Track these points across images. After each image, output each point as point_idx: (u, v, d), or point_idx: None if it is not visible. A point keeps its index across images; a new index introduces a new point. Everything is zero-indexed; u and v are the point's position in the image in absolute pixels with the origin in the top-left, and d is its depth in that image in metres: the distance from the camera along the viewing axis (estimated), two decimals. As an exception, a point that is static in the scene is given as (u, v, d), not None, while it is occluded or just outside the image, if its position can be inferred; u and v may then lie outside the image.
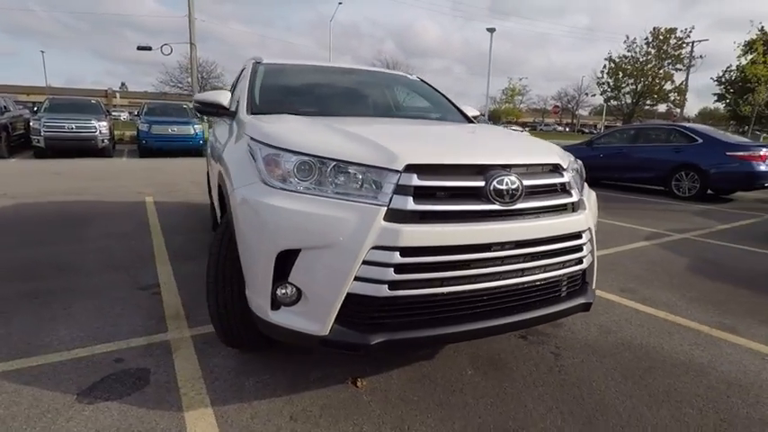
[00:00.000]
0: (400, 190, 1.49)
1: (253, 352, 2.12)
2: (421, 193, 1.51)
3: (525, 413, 1.73)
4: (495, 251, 1.59)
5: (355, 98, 3.15)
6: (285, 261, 1.54)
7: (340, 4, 31.18)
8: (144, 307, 2.67)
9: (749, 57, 31.85)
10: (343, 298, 1.48)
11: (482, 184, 1.58)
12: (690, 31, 35.44)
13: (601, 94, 41.23)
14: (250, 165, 1.77)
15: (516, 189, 1.62)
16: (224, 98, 2.59)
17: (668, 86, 37.51)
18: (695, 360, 2.18)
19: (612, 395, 1.87)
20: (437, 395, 1.84)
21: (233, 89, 3.47)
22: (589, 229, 1.85)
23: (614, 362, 2.14)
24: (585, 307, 1.89)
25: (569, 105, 59.68)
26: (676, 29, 36.10)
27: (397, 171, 1.51)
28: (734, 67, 35.43)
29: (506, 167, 1.66)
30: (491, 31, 27.13)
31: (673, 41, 35.95)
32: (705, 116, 57.97)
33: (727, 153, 7.15)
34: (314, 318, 1.53)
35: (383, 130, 2.20)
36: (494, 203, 1.58)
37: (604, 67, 39.22)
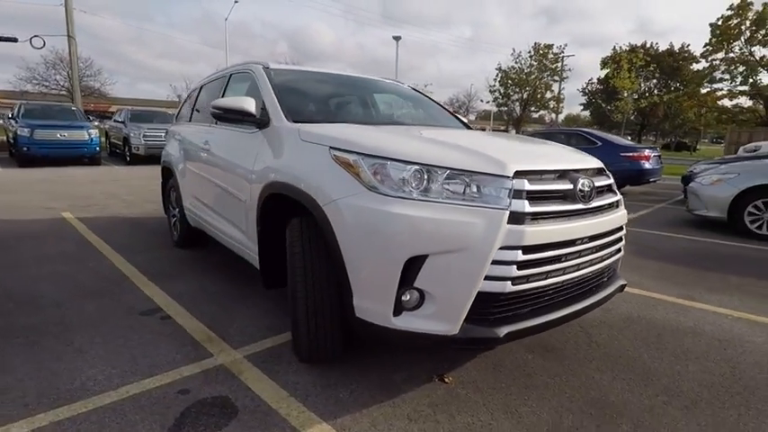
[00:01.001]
0: (516, 194, 1.64)
1: (324, 365, 2.08)
2: (531, 197, 1.68)
3: (598, 383, 2.00)
4: (578, 245, 1.82)
5: (378, 107, 3.20)
6: (410, 267, 1.59)
7: (236, 2, 29.68)
8: (164, 333, 2.41)
9: (606, 71, 37.93)
10: (474, 297, 1.59)
11: (571, 186, 1.81)
12: (564, 47, 41.12)
13: (493, 101, 45.40)
14: (340, 175, 1.76)
15: (591, 190, 1.88)
16: (250, 105, 2.45)
17: (548, 95, 42.87)
18: (685, 325, 2.68)
19: (649, 359, 2.23)
20: (519, 379, 2.02)
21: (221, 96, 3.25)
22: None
23: (631, 333, 2.54)
24: (622, 288, 2.24)
25: (461, 111, 64.70)
26: (553, 45, 41.52)
27: (509, 177, 1.66)
28: (595, 80, 41.70)
29: (580, 171, 1.91)
30: (397, 39, 28.26)
31: (551, 56, 41.16)
32: (570, 121, 67.01)
33: (621, 154, 8.56)
34: (444, 319, 1.61)
35: (463, 139, 2.23)
36: (579, 203, 1.82)
37: (497, 76, 43.37)
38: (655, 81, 43.28)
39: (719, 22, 26.15)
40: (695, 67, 33.60)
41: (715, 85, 27.77)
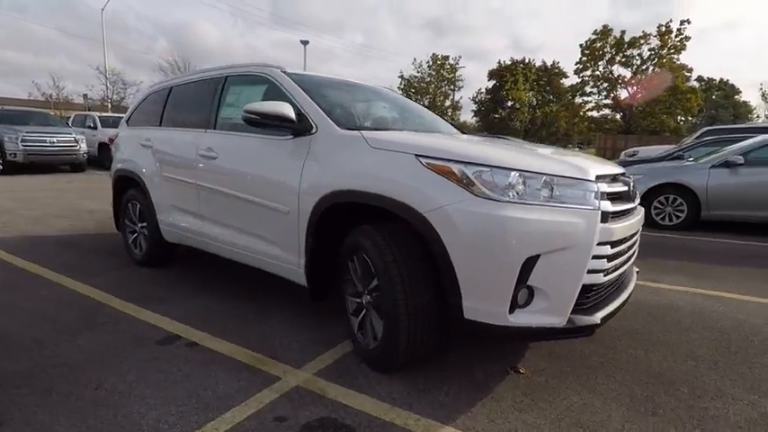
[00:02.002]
0: (602, 196, 1.84)
1: (401, 373, 2.07)
2: (609, 198, 1.89)
3: (638, 358, 2.29)
4: (626, 240, 2.09)
5: (394, 113, 3.21)
6: (525, 266, 1.69)
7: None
8: (205, 362, 2.17)
9: (493, 81, 41.86)
10: (579, 290, 1.74)
11: (626, 188, 2.07)
12: (459, 59, 44.45)
13: (396, 108, 47.04)
14: (439, 182, 1.80)
15: (636, 191, 2.17)
16: (290, 111, 2.32)
17: (447, 103, 45.86)
18: (664, 302, 3.17)
19: (660, 333, 2.61)
20: (577, 363, 2.23)
21: (218, 103, 3.00)
22: None
23: (628, 313, 2.94)
24: (637, 274, 2.60)
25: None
26: (449, 56, 44.58)
27: (593, 181, 1.86)
28: (483, 89, 45.60)
29: (620, 175, 2.19)
30: (304, 43, 27.89)
31: (447, 66, 44.12)
32: (461, 127, 72.58)
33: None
34: (555, 312, 1.73)
35: (516, 147, 2.35)
36: (632, 202, 2.09)
37: (400, 84, 45.16)
38: (533, 92, 49.02)
39: (587, 44, 30.65)
40: (565, 81, 38.79)
41: (585, 98, 32.46)
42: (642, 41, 28.23)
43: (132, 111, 4.09)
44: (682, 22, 26.77)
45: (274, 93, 2.66)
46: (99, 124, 13.80)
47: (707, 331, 2.66)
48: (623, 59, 29.36)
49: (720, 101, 32.75)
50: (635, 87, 28.85)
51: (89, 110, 22.63)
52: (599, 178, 1.89)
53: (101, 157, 13.26)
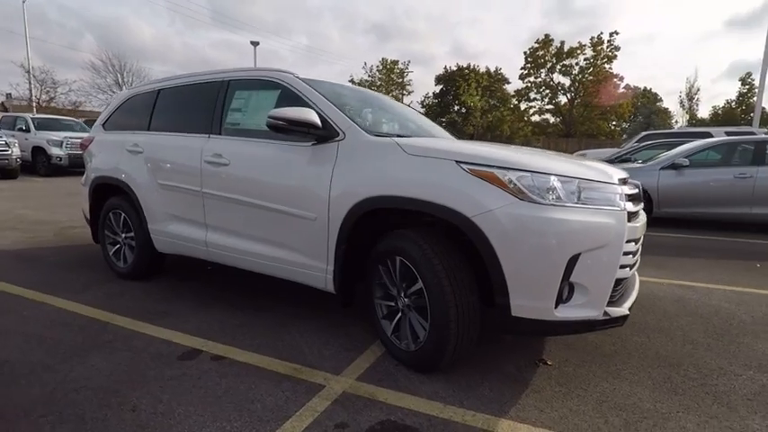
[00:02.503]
0: (626, 198, 2.02)
1: (437, 372, 2.13)
2: (627, 199, 2.08)
3: (649, 342, 2.51)
4: (641, 238, 2.29)
5: (399, 119, 3.25)
6: (568, 264, 1.82)
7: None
8: (239, 375, 2.11)
9: (441, 86, 43.14)
10: (613, 284, 1.90)
11: (637, 191, 2.27)
12: (408, 64, 45.23)
13: (349, 111, 46.99)
14: (483, 187, 1.89)
15: (641, 193, 2.39)
16: (316, 117, 2.32)
17: (399, 108, 46.40)
18: (647, 293, 3.48)
19: (655, 321, 2.87)
20: (594, 352, 2.40)
21: (222, 107, 2.91)
22: None
23: (638, 305, 3.15)
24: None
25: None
26: (398, 61, 45.26)
27: (618, 184, 2.03)
28: (431, 94, 46.72)
29: (628, 179, 2.40)
30: (255, 44, 27.16)
31: (396, 71, 44.75)
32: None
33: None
34: (594, 305, 1.88)
35: (539, 153, 2.47)
36: (641, 203, 2.30)
37: (351, 88, 45.04)
38: (483, 98, 51.01)
39: (530, 52, 32.45)
40: (507, 87, 40.71)
41: (530, 103, 34.32)
42: (579, 51, 30.43)
43: (109, 114, 3.83)
44: (611, 34, 29.30)
45: (289, 98, 2.63)
46: (33, 127, 12.64)
47: (691, 317, 2.95)
48: (563, 68, 31.44)
49: (652, 107, 35.87)
50: (573, 94, 31.01)
51: (7, 110, 20.53)
52: (620, 181, 2.08)
53: (35, 163, 12.19)
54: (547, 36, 31.96)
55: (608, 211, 1.91)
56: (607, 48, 29.56)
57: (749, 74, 28.11)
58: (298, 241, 2.47)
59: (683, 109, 35.88)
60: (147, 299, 3.13)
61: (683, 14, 75.12)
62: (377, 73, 44.00)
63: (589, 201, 1.91)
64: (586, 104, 29.90)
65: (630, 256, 1.99)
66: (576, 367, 2.23)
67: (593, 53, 29.91)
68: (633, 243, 2.01)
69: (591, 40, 30.24)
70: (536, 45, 32.27)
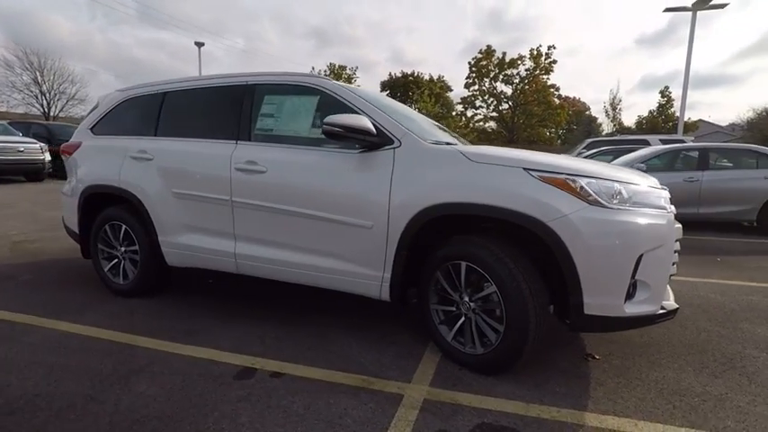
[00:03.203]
0: (670, 201, 2.21)
1: (502, 373, 2.20)
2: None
3: (674, 335, 2.75)
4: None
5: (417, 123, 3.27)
6: (636, 263, 1.97)
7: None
8: (311, 390, 2.04)
9: (386, 92, 43.80)
10: (668, 280, 2.08)
11: (668, 194, 2.49)
12: (356, 69, 45.45)
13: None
14: (555, 193, 1.99)
15: (665, 195, 2.62)
16: (369, 124, 2.32)
17: (347, 113, 46.31)
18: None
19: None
20: (636, 343, 2.59)
21: (250, 113, 2.80)
22: None
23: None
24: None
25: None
26: (346, 66, 45.30)
27: (662, 189, 2.22)
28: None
29: (655, 182, 2.63)
30: (199, 45, 25.96)
31: (345, 76, 44.77)
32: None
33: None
34: (653, 300, 2.03)
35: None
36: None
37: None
38: (431, 104, 52.37)
39: (475, 62, 33.92)
40: (450, 95, 42.20)
41: (475, 111, 35.80)
42: (519, 62, 32.34)
43: (99, 117, 3.52)
44: (549, 48, 31.52)
45: (331, 105, 2.59)
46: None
47: (691, 308, 3.27)
48: (505, 77, 33.21)
49: (590, 115, 38.81)
50: (515, 102, 32.87)
51: None
52: (659, 187, 2.27)
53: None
54: (489, 47, 33.69)
55: (661, 214, 2.08)
56: (545, 60, 31.70)
57: (667, 87, 31.95)
58: (349, 250, 2.43)
59: (608, 118, 39.15)
60: (161, 317, 2.90)
61: (600, 32, 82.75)
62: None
63: (645, 204, 2.07)
64: (527, 113, 31.82)
65: (676, 254, 2.18)
66: (622, 360, 2.40)
67: (533, 64, 31.92)
68: (678, 242, 2.20)
69: (530, 52, 32.29)
70: (480, 55, 33.84)
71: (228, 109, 2.91)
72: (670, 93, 28.98)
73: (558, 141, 35.88)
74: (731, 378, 2.20)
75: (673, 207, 2.22)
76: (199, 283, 3.62)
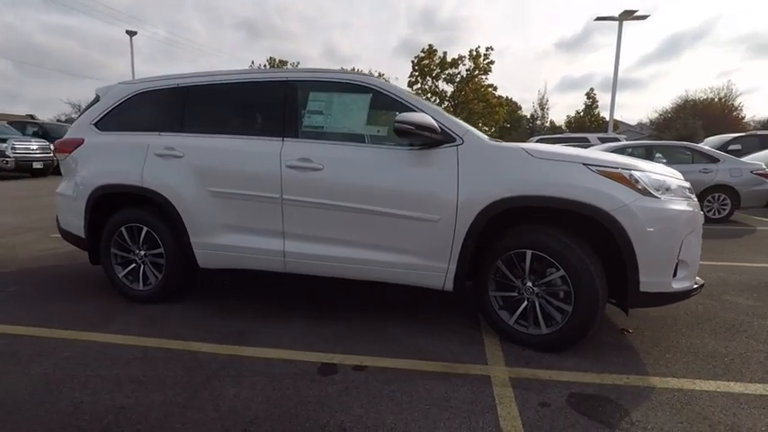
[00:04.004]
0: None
1: (562, 351, 2.42)
2: (690, 193, 2.62)
3: (690, 309, 3.14)
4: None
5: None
6: (681, 245, 2.27)
7: None
8: (404, 379, 2.12)
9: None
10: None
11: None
12: (298, 65, 44.47)
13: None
14: (613, 185, 2.23)
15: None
16: (434, 122, 2.43)
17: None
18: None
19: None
20: (649, 315, 2.93)
21: (295, 109, 2.79)
22: None
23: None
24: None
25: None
26: (287, 61, 44.23)
27: (684, 180, 2.56)
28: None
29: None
30: (131, 34, 23.97)
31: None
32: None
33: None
34: (690, 277, 2.35)
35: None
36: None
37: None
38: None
39: (417, 61, 34.66)
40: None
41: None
42: (460, 62, 33.62)
43: (104, 112, 3.25)
44: (487, 49, 33.13)
45: (385, 103, 2.66)
46: None
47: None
48: (447, 77, 34.35)
49: (534, 113, 41.20)
50: (456, 101, 34.14)
51: None
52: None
53: None
54: (431, 46, 34.63)
55: (691, 202, 2.41)
56: (483, 61, 33.23)
57: (592, 89, 35.22)
58: (414, 243, 2.51)
59: (537, 117, 42.01)
60: (200, 322, 2.79)
61: (524, 35, 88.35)
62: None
63: (680, 194, 2.39)
64: (468, 110, 33.21)
65: (701, 237, 2.53)
66: (651, 332, 2.72)
67: (472, 65, 33.31)
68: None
69: (470, 52, 33.64)
70: (422, 54, 34.67)
71: (269, 105, 2.86)
72: (595, 95, 31.74)
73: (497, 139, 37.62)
74: (742, 340, 2.61)
75: (694, 196, 2.57)
76: (207, 286, 3.50)
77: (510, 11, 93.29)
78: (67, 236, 3.37)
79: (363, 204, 2.55)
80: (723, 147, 10.64)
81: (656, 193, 2.26)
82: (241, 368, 2.20)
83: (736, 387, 2.07)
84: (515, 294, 2.47)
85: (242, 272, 2.96)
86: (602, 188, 2.24)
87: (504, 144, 2.50)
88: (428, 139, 2.43)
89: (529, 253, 2.36)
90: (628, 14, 16.39)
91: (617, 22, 16.46)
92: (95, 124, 3.25)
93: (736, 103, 34.34)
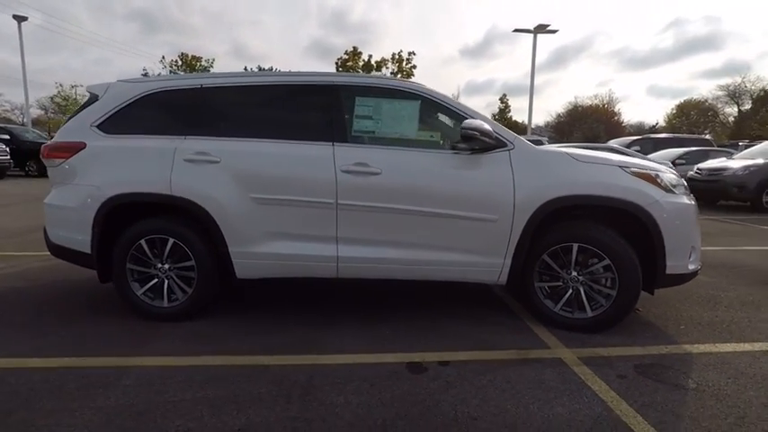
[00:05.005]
0: (687, 189, 3.05)
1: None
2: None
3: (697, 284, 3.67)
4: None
5: None
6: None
7: None
8: (492, 369, 2.27)
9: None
10: (699, 244, 2.90)
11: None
12: (213, 61, 42.02)
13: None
14: (644, 184, 2.61)
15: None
16: (491, 128, 2.61)
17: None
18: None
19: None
20: (661, 295, 3.41)
21: (343, 114, 2.80)
22: None
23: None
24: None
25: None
26: (202, 57, 41.50)
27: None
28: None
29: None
30: (20, 19, 20.63)
31: (200, 68, 40.96)
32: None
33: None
34: (697, 260, 2.78)
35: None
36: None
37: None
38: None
39: (342, 62, 34.72)
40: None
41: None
42: (384, 65, 34.40)
43: (107, 113, 2.90)
44: (410, 53, 34.39)
45: (436, 110, 2.80)
46: None
47: (715, 270, 4.21)
48: (373, 79, 34.85)
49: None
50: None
51: None
52: (677, 177, 3.12)
53: None
54: (355, 48, 34.93)
55: (691, 197, 2.89)
56: (406, 65, 34.38)
57: (505, 95, 38.37)
58: (472, 242, 2.67)
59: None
60: (251, 333, 2.68)
61: (431, 42, 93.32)
62: (177, 68, 39.37)
63: (685, 190, 2.85)
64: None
65: (696, 225, 3.04)
66: (659, 308, 3.17)
67: (396, 68, 34.26)
68: (695, 216, 3.07)
69: (393, 56, 34.61)
70: (345, 56, 34.83)
71: (314, 109, 2.83)
72: (507, 100, 34.50)
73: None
74: (722, 309, 3.16)
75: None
76: (227, 299, 3.33)
77: (417, 17, 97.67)
78: (62, 252, 2.97)
79: (423, 207, 2.65)
80: (627, 148, 12.33)
81: (675, 190, 2.68)
82: (331, 376, 2.18)
83: (747, 347, 2.55)
84: (560, 284, 2.75)
85: (261, 282, 2.89)
86: (638, 187, 2.60)
87: (550, 149, 2.77)
88: (486, 144, 2.60)
89: (575, 246, 2.65)
90: (542, 28, 18.23)
91: (517, 34, 18.21)
92: (98, 126, 2.91)
93: (616, 109, 39.67)
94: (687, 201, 2.72)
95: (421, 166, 2.69)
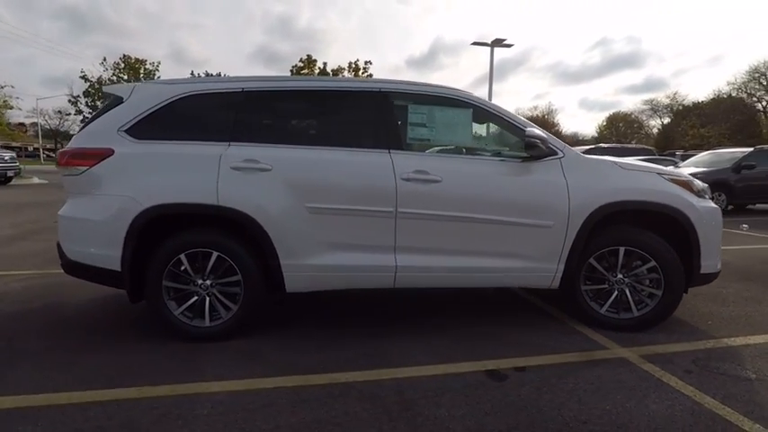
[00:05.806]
0: (702, 193, 3.31)
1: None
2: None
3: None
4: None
5: None
6: (720, 236, 2.96)
7: None
8: (573, 371, 2.32)
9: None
10: (719, 246, 3.15)
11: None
12: (158, 65, 39.93)
13: (76, 113, 37.73)
14: (680, 190, 2.80)
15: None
16: (546, 136, 2.70)
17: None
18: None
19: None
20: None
21: (397, 122, 2.78)
22: None
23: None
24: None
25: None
26: (146, 60, 39.36)
27: (698, 184, 3.30)
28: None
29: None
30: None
31: (143, 71, 38.74)
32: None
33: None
34: (720, 261, 3.04)
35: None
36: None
37: (89, 87, 36.97)
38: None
39: (297, 70, 34.30)
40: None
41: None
42: (340, 74, 34.35)
43: (137, 118, 2.65)
44: (366, 63, 34.68)
45: (486, 118, 2.85)
46: None
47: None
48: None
49: None
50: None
51: None
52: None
53: None
54: (309, 56, 34.77)
55: (713, 201, 3.15)
56: (363, 74, 34.57)
57: None
58: (528, 248, 2.72)
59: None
60: (306, 350, 2.55)
61: (378, 51, 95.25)
62: (119, 71, 37.00)
63: (709, 195, 3.10)
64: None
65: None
66: (681, 307, 3.27)
67: (353, 77, 34.43)
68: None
69: (349, 64, 34.75)
70: (301, 64, 34.50)
71: (367, 116, 2.76)
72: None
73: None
74: (731, 305, 3.45)
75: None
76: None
77: (364, 27, 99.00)
78: (81, 270, 2.67)
79: (483, 214, 2.67)
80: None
81: (704, 195, 2.91)
82: (420, 389, 2.12)
83: (772, 337, 2.80)
84: (605, 286, 2.87)
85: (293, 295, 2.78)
86: (677, 192, 2.79)
87: (596, 157, 2.90)
88: (543, 151, 2.68)
89: (622, 249, 2.79)
90: (498, 42, 19.11)
91: (460, 46, 18.88)
92: (127, 131, 2.66)
93: (555, 120, 42.30)
94: (713, 205, 2.96)
95: (479, 174, 2.72)
